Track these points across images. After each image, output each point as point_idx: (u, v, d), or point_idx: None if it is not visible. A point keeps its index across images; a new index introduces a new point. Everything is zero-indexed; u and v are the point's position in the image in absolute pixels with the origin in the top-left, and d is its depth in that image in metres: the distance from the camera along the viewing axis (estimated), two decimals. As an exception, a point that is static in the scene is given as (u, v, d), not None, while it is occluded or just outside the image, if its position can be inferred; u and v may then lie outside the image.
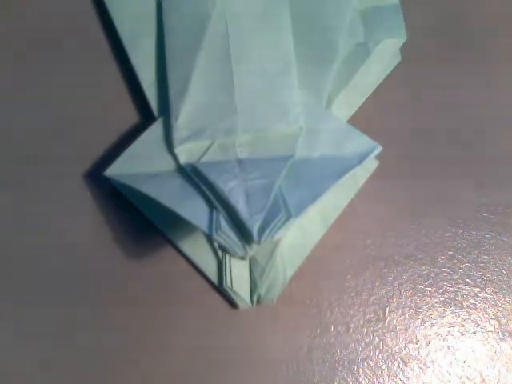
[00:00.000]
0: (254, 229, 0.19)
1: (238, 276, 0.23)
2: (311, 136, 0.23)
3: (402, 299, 0.24)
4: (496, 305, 0.24)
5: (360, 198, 0.24)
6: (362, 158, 0.22)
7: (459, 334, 0.24)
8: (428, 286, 0.24)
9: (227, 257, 0.23)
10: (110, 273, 0.24)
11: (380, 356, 0.23)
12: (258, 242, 0.19)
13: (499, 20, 0.27)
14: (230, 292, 0.23)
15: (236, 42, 0.24)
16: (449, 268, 0.24)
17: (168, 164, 0.23)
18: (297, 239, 0.24)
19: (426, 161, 0.25)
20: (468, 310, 0.24)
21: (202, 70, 0.24)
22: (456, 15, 0.27)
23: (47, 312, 0.24)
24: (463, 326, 0.24)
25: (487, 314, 0.24)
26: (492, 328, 0.24)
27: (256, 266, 0.23)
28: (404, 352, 0.23)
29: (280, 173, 0.21)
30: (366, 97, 0.26)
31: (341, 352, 0.23)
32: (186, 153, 0.23)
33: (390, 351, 0.23)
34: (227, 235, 0.19)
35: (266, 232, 0.19)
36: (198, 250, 0.24)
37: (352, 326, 0.24)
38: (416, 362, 0.23)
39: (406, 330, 0.24)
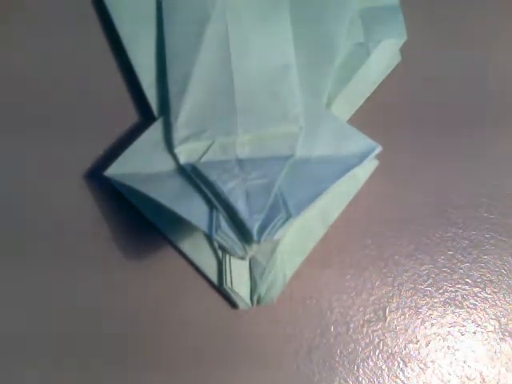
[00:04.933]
0: (254, 229, 0.19)
1: (238, 276, 0.23)
2: (311, 136, 0.23)
3: (402, 299, 0.24)
4: (496, 305, 0.24)
5: (360, 197, 0.24)
6: (362, 158, 0.22)
7: (459, 334, 0.24)
8: (428, 285, 0.24)
9: (227, 257, 0.23)
10: (109, 273, 0.24)
11: (380, 356, 0.23)
12: (258, 242, 0.19)
13: (499, 20, 0.27)
14: (230, 292, 0.23)
15: (236, 41, 0.24)
16: (449, 268, 0.24)
17: (168, 164, 0.23)
18: (297, 239, 0.24)
19: (426, 161, 0.25)
20: (468, 309, 0.24)
21: (201, 69, 0.24)
22: (456, 15, 0.27)
23: (45, 312, 0.24)
24: (463, 326, 0.24)
25: (487, 314, 0.24)
26: (492, 328, 0.24)
27: (256, 265, 0.23)
28: (404, 352, 0.23)
29: (280, 173, 0.21)
30: (366, 97, 0.26)
31: (341, 352, 0.23)
32: (186, 153, 0.23)
33: (389, 351, 0.23)
34: (227, 235, 0.19)
35: (266, 232, 0.19)
36: (198, 250, 0.24)
37: (352, 325, 0.24)
38: (416, 362, 0.23)
39: (406, 330, 0.24)
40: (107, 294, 0.24)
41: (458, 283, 0.24)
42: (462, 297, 0.24)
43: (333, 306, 0.24)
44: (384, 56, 0.26)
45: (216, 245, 0.24)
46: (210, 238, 0.24)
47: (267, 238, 0.19)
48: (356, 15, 0.26)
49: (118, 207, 0.24)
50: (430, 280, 0.24)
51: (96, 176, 0.24)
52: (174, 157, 0.23)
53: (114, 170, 0.23)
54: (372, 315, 0.24)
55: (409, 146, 0.26)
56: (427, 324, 0.24)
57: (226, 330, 0.24)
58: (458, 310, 0.24)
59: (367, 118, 0.25)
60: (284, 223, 0.19)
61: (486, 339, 0.24)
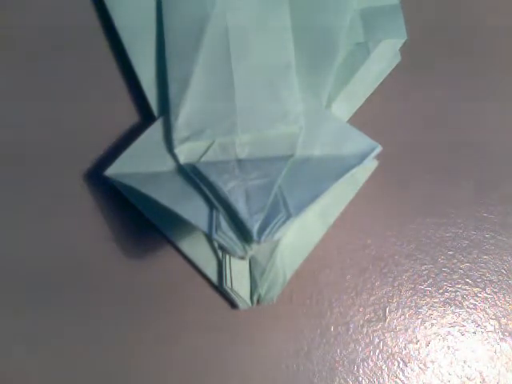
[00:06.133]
0: (254, 229, 0.19)
1: (238, 276, 0.23)
2: (311, 136, 0.23)
3: (402, 299, 0.24)
4: (496, 305, 0.24)
5: (360, 197, 0.24)
6: (362, 158, 0.22)
7: (459, 334, 0.24)
8: (428, 285, 0.24)
9: (227, 257, 0.23)
10: (110, 273, 0.24)
11: (380, 356, 0.23)
12: (258, 242, 0.19)
13: (499, 20, 0.27)
14: (230, 292, 0.23)
15: (236, 41, 0.24)
16: (449, 268, 0.24)
17: (168, 164, 0.23)
18: (297, 239, 0.24)
19: (426, 161, 0.25)
20: (468, 310, 0.24)
21: (201, 69, 0.24)
22: (456, 15, 0.27)
23: (46, 311, 0.24)
24: (463, 326, 0.24)
25: (487, 314, 0.24)
26: (492, 328, 0.24)
27: (256, 265, 0.23)
28: (404, 352, 0.23)
29: (280, 173, 0.21)
30: (366, 97, 0.25)
31: (341, 352, 0.23)
32: (185, 153, 0.23)
33: (390, 351, 0.23)
34: (227, 235, 0.19)
35: (266, 232, 0.19)
36: (198, 250, 0.24)
37: (352, 326, 0.24)
38: (416, 362, 0.23)
39: (406, 330, 0.24)
40: (107, 293, 0.24)
41: (458, 283, 0.24)
42: (462, 297, 0.24)
43: (333, 305, 0.24)
44: (384, 56, 0.26)
45: (216, 245, 0.24)
46: (209, 238, 0.24)
47: (267, 238, 0.19)
48: (356, 15, 0.26)
49: (118, 207, 0.24)
50: (430, 280, 0.24)
51: (96, 176, 0.24)
52: (174, 157, 0.23)
53: (113, 170, 0.23)
54: (372, 315, 0.24)
55: (409, 146, 0.26)
56: (427, 324, 0.24)
57: (226, 329, 0.24)
58: (458, 310, 0.24)
59: (367, 118, 0.25)
60: (284, 223, 0.19)
61: (486, 339, 0.24)
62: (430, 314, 0.24)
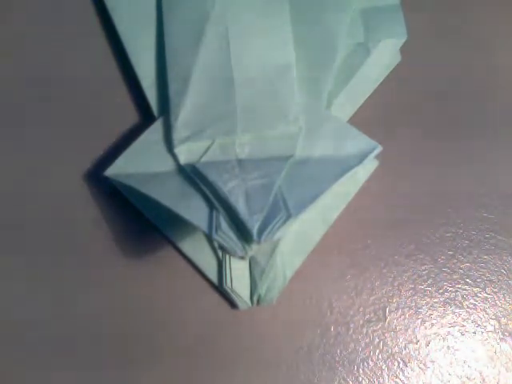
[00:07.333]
0: (254, 229, 0.19)
1: (238, 276, 0.23)
2: (311, 136, 0.23)
3: (402, 299, 0.24)
4: (496, 305, 0.24)
5: (360, 197, 0.24)
6: (362, 158, 0.22)
7: (459, 334, 0.24)
8: (428, 285, 0.24)
9: (227, 257, 0.23)
10: (110, 273, 0.24)
11: (380, 356, 0.23)
12: (258, 242, 0.19)
13: (499, 19, 0.27)
14: (230, 292, 0.23)
15: (236, 41, 0.24)
16: (449, 268, 0.24)
17: (168, 164, 0.23)
18: (297, 239, 0.24)
19: (426, 161, 0.25)
20: (468, 310, 0.24)
21: (201, 69, 0.24)
22: (456, 15, 0.27)
23: (46, 311, 0.24)
24: (463, 326, 0.24)
25: (487, 314, 0.24)
26: (492, 328, 0.24)
27: (256, 266, 0.23)
28: (404, 352, 0.23)
29: (280, 173, 0.21)
30: (366, 97, 0.25)
31: (341, 352, 0.23)
32: (185, 153, 0.23)
33: (390, 351, 0.23)
34: (227, 235, 0.19)
35: (266, 232, 0.19)
36: (198, 250, 0.24)
37: (352, 325, 0.24)
38: (416, 362, 0.23)
39: (406, 330, 0.24)
40: (107, 293, 0.24)
41: (458, 283, 0.24)
42: (462, 297, 0.24)
43: (333, 306, 0.24)
44: (384, 56, 0.26)
45: (216, 245, 0.24)
46: (210, 238, 0.24)
47: (267, 238, 0.19)
48: (356, 15, 0.26)
49: (118, 207, 0.24)
50: (430, 280, 0.24)
51: (96, 176, 0.24)
52: (174, 157, 0.23)
53: (113, 170, 0.23)
54: (372, 315, 0.24)
55: (409, 146, 0.26)
56: (427, 324, 0.24)
57: (226, 329, 0.24)
58: (457, 310, 0.24)
59: (367, 118, 0.25)
60: (284, 223, 0.19)
61: (486, 339, 0.24)
62: (430, 314, 0.24)
